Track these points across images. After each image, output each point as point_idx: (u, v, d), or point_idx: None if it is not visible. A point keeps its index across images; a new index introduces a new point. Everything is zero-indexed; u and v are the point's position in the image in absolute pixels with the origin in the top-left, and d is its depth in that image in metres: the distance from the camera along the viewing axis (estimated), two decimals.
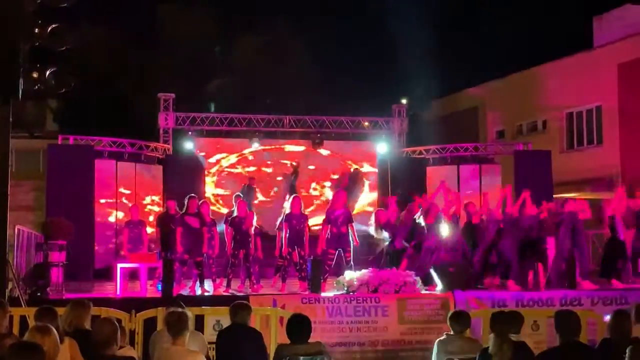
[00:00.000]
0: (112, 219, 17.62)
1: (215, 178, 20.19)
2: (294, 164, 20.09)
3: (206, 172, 19.92)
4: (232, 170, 20.34)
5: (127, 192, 18.04)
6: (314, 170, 20.72)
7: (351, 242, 13.48)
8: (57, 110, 29.54)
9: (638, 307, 7.55)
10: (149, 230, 15.57)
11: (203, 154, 20.17)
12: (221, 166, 20.31)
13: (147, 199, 18.50)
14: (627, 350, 5.44)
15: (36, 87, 9.33)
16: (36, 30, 9.25)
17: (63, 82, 9.58)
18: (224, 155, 20.32)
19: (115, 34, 25.00)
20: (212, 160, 20.21)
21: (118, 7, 27.58)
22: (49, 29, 9.33)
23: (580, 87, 23.62)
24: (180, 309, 6.47)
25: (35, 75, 9.25)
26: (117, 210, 17.70)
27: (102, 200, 17.47)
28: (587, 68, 23.58)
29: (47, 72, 9.41)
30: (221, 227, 14.47)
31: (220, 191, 20.12)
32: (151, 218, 17.51)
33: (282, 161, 20.53)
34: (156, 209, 18.21)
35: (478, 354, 6.53)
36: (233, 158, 20.35)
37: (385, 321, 11.54)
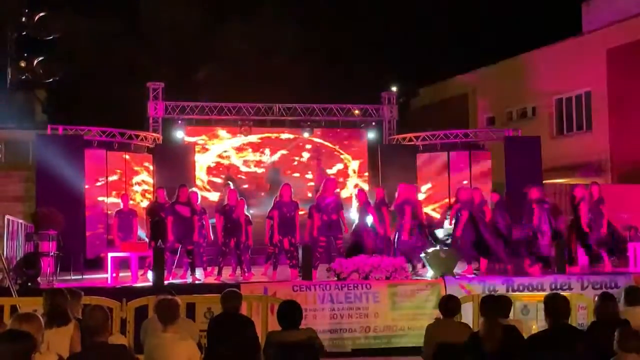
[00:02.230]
0: (102, 208, 17.57)
1: (205, 166, 20.17)
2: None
3: (196, 161, 19.88)
4: (222, 158, 20.33)
5: (117, 181, 18.00)
6: (304, 158, 20.73)
7: (342, 229, 13.54)
8: (45, 101, 29.41)
9: (627, 290, 7.62)
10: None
11: (200, 139, 20.17)
12: (211, 154, 20.28)
13: (137, 188, 18.47)
14: (616, 332, 5.48)
15: (24, 76, 9.32)
16: (23, 20, 9.23)
17: (51, 70, 9.58)
18: (213, 143, 20.30)
19: (103, 23, 24.84)
20: (202, 148, 20.19)
21: None
22: (36, 17, 9.31)
23: (570, 73, 23.66)
24: (170, 297, 6.48)
25: (23, 64, 9.25)
26: (107, 199, 17.66)
27: (92, 190, 17.40)
28: (576, 54, 23.62)
29: (35, 61, 9.40)
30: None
31: (211, 179, 20.15)
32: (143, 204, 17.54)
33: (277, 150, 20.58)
34: (148, 197, 18.19)
35: (468, 338, 6.56)
36: (223, 146, 20.33)
37: (376, 307, 11.59)
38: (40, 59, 9.40)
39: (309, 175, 20.59)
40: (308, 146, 20.79)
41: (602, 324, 6.49)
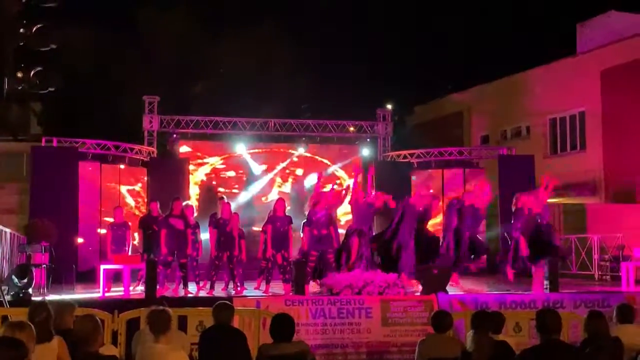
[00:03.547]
0: (95, 221, 17.54)
1: (199, 180, 20.16)
2: None
3: (191, 174, 19.86)
4: (216, 173, 20.32)
5: (111, 194, 17.98)
6: (298, 173, 20.74)
7: (332, 244, 13.53)
8: (41, 113, 29.38)
9: (619, 308, 7.66)
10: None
11: (195, 153, 20.16)
12: (206, 169, 20.28)
13: (131, 201, 18.46)
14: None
15: (20, 86, 9.33)
16: (21, 30, 9.25)
17: (48, 81, 9.59)
18: (208, 157, 20.30)
19: (99, 36, 24.90)
20: (197, 162, 20.16)
21: (103, 9, 27.54)
22: (34, 29, 9.34)
23: (564, 93, 23.79)
24: (162, 307, 6.46)
25: (19, 75, 9.26)
26: (101, 212, 17.63)
27: (86, 202, 17.36)
28: (571, 74, 23.75)
29: (32, 72, 9.42)
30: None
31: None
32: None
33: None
34: (142, 208, 18.17)
35: (461, 353, 6.57)
36: (217, 161, 20.33)
37: (369, 323, 11.55)
38: (38, 69, 9.42)
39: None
40: (294, 159, 20.72)
41: (593, 341, 6.51)
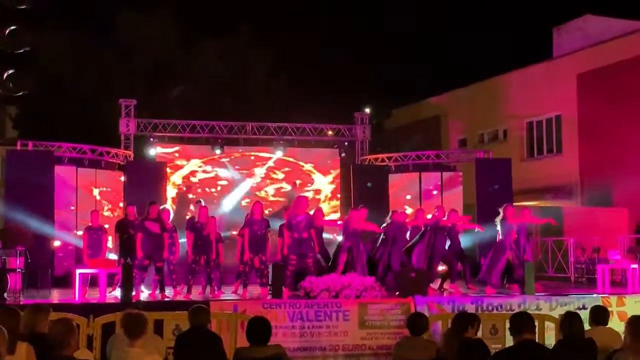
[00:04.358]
0: (71, 225, 17.41)
1: (176, 184, 20.06)
2: None
3: (168, 179, 19.75)
4: (194, 177, 20.23)
5: (87, 198, 17.85)
6: (276, 177, 20.69)
7: (313, 247, 13.51)
8: (17, 117, 29.21)
9: (593, 310, 7.73)
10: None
11: (172, 156, 20.04)
12: (183, 172, 20.18)
13: (108, 205, 18.34)
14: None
15: None
16: None
17: (22, 84, 9.51)
18: (185, 161, 20.19)
19: (76, 39, 24.76)
20: (174, 166, 20.05)
21: (79, 12, 27.37)
22: (7, 31, 9.26)
23: (540, 96, 23.96)
24: (137, 311, 6.42)
25: None
26: (77, 216, 17.50)
27: (62, 206, 17.23)
28: (547, 78, 23.94)
29: (5, 75, 9.34)
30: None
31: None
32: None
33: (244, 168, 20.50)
34: (118, 214, 18.05)
35: (435, 356, 6.59)
36: (195, 165, 20.23)
37: (346, 326, 11.57)
38: (11, 72, 9.34)
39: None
40: (272, 163, 20.69)
41: (568, 342, 6.55)
